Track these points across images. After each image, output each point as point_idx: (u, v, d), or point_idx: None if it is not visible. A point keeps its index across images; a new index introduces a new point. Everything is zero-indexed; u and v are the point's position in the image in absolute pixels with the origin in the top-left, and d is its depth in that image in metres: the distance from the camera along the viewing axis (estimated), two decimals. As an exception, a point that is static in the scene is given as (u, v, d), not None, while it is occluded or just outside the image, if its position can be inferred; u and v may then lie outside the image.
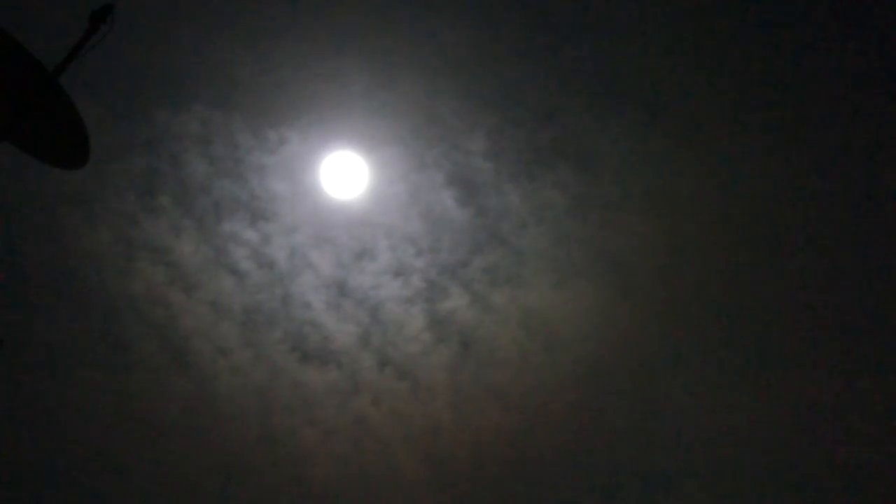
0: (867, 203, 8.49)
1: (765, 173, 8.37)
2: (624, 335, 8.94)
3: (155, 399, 9.08)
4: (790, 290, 8.55)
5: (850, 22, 8.20)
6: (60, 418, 9.05)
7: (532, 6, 8.53)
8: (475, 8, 8.51)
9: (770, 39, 8.58)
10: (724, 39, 8.68)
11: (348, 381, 9.16)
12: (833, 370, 8.77)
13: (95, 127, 8.71)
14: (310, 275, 8.94)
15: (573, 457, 9.23)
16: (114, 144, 8.60)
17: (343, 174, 8.75)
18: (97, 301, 8.89)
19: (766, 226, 8.47)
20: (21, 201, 8.68)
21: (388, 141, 8.76)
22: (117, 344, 8.98)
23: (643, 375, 9.03)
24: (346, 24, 8.50)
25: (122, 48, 8.31)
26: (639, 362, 8.98)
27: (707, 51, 8.71)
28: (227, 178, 8.71)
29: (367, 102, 8.67)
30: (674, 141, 8.62)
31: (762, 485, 8.83)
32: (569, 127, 8.74)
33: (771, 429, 8.76)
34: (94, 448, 9.09)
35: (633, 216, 8.78)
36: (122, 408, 9.07)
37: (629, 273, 8.84)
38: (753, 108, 8.42)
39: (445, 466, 9.28)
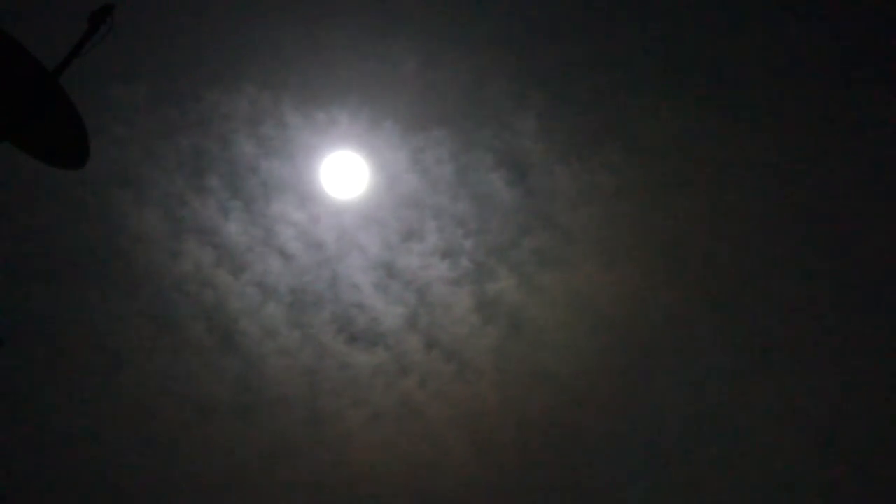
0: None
1: (822, 156, 8.30)
2: (672, 317, 8.91)
3: (203, 380, 9.11)
4: (847, 275, 8.50)
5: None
6: (109, 398, 9.09)
7: (584, -14, 8.47)
8: (526, -12, 8.45)
9: (822, 24, 8.49)
10: (775, 20, 8.59)
11: (395, 363, 9.17)
12: None
13: (145, 107, 8.71)
14: (357, 256, 8.93)
15: (619, 438, 9.22)
16: (163, 125, 8.58)
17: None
18: (146, 282, 8.90)
19: (823, 209, 8.42)
20: (70, 183, 8.69)
21: (437, 121, 8.72)
22: (165, 325, 9.00)
23: (690, 358, 9.00)
24: (397, 5, 8.45)
25: (171, 29, 8.29)
26: (686, 345, 8.96)
27: (758, 32, 8.62)
28: (275, 159, 8.69)
29: (417, 83, 8.63)
30: (725, 122, 8.55)
31: (814, 462, 8.81)
32: (619, 108, 8.68)
33: (828, 411, 8.73)
34: (143, 428, 9.13)
35: (683, 198, 8.73)
36: (170, 388, 9.10)
37: (678, 255, 8.80)
38: (808, 89, 8.35)
39: (491, 448, 9.29)
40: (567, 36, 8.63)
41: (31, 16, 7.47)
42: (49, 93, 4.37)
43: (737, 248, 8.60)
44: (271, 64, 8.52)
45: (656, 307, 8.88)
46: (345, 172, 8.74)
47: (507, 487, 9.29)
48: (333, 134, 8.67)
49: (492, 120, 8.73)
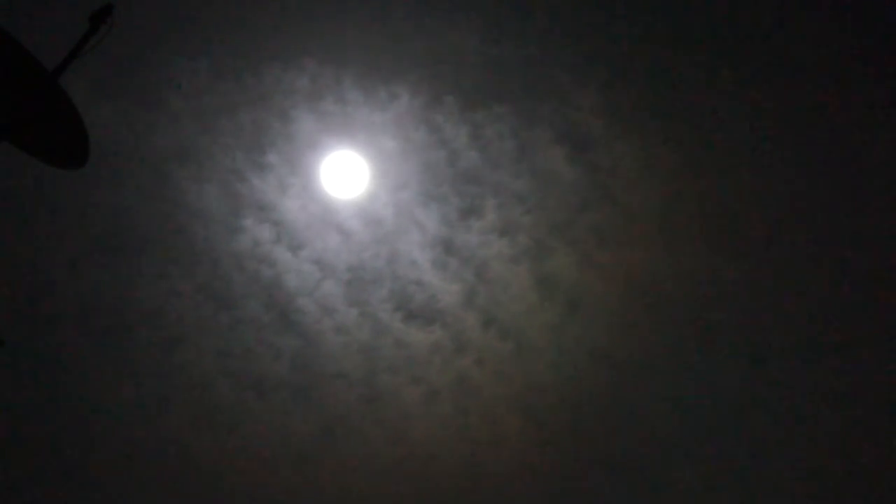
0: None
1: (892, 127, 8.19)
2: (734, 298, 8.83)
3: (260, 358, 9.10)
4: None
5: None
6: (166, 376, 9.09)
7: (647, -41, 8.37)
8: (590, -40, 8.36)
9: None
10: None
11: (452, 341, 9.13)
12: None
13: (205, 83, 8.66)
14: (416, 233, 8.89)
15: (677, 419, 9.16)
16: (223, 100, 8.54)
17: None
18: (204, 259, 8.89)
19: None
20: (129, 158, 8.67)
21: (499, 97, 8.65)
22: (223, 302, 8.99)
23: (752, 339, 8.93)
24: (459, -22, 8.37)
25: (232, 4, 8.24)
26: (748, 324, 8.88)
27: (822, 4, 8.50)
28: (335, 135, 8.64)
29: (478, 58, 8.55)
30: (794, 99, 8.45)
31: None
32: (682, 83, 8.58)
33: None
34: (200, 405, 9.14)
35: (747, 175, 8.64)
36: (227, 366, 9.09)
37: (742, 234, 8.71)
38: (877, 60, 8.23)
39: (548, 427, 9.25)
40: (629, 10, 8.53)
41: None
42: (49, 93, 4.35)
43: (806, 226, 8.51)
44: (332, 39, 8.46)
45: (718, 288, 8.81)
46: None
47: (562, 466, 9.26)
48: (393, 110, 8.61)
49: (553, 95, 8.65)
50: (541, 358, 9.11)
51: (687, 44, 8.60)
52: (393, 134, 8.66)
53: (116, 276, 8.93)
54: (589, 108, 8.66)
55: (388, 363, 9.13)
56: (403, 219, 8.84)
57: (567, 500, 9.30)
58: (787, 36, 8.55)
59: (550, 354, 9.09)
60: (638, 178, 8.79)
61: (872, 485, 8.89)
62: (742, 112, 8.59)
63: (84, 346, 9.00)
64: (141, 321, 8.95)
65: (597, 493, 9.21)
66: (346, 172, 8.69)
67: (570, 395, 9.14)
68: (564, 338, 9.06)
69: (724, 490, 9.28)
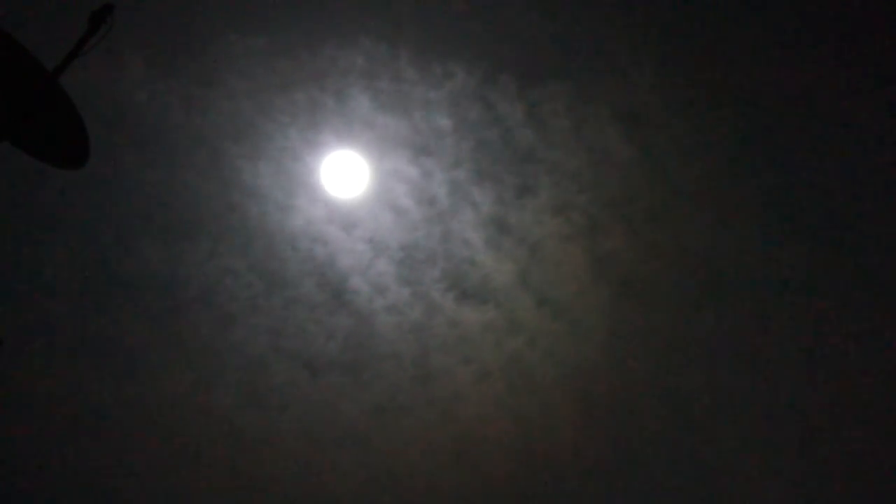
0: None
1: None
2: (793, 279, 8.75)
3: (312, 337, 9.10)
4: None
5: None
6: (219, 354, 9.11)
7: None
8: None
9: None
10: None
11: (505, 321, 9.10)
12: None
13: (261, 61, 8.64)
14: (470, 212, 8.86)
15: (733, 402, 9.10)
16: (279, 78, 8.53)
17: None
18: (257, 237, 8.89)
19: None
20: (184, 136, 8.67)
21: (554, 74, 8.60)
22: (276, 281, 9.00)
23: (810, 321, 8.84)
24: (516, -46, 8.32)
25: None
26: (806, 308, 8.79)
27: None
28: (390, 113, 8.62)
29: (533, 34, 8.50)
30: (852, 77, 8.35)
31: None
32: (739, 60, 8.50)
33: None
34: (253, 385, 9.15)
35: (806, 153, 8.55)
36: (280, 345, 9.10)
37: (801, 213, 8.63)
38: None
39: (600, 408, 9.22)
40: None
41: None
42: (49, 93, 4.35)
43: (869, 204, 8.41)
44: (388, 17, 8.43)
45: (774, 268, 8.73)
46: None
47: (614, 448, 9.23)
48: (448, 88, 8.58)
49: (609, 73, 8.60)
50: (593, 338, 9.07)
51: (744, 23, 8.52)
52: (447, 112, 8.63)
53: (170, 254, 8.96)
54: (645, 85, 8.60)
55: (439, 343, 9.12)
56: (457, 197, 8.82)
57: (617, 481, 9.27)
58: (845, 14, 8.45)
59: (603, 334, 9.06)
60: (693, 156, 8.73)
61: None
62: (803, 91, 8.51)
63: (137, 324, 9.03)
64: (194, 300, 8.97)
65: (648, 475, 9.17)
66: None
67: (622, 377, 9.10)
68: (617, 318, 9.03)
69: (777, 474, 9.22)
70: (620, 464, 9.23)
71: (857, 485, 9.08)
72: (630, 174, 8.77)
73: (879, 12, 8.53)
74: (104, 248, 8.91)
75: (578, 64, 8.57)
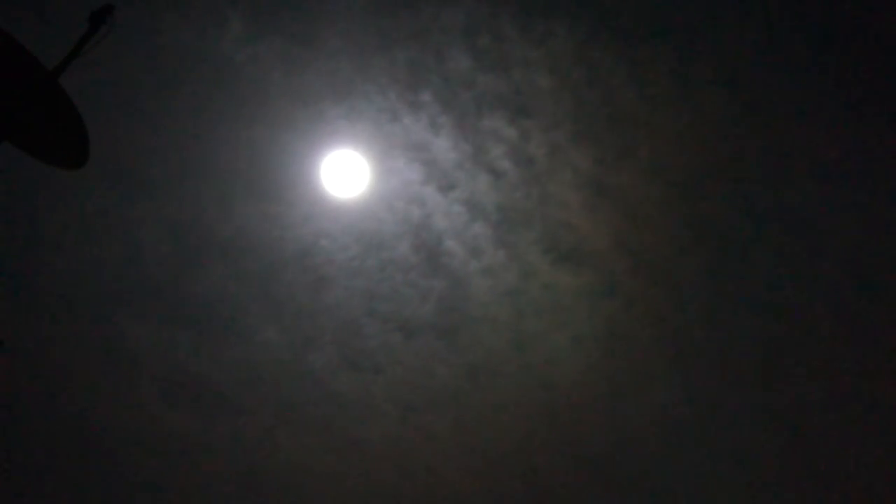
0: None
1: None
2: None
3: (407, 300, 9.07)
4: None
5: None
6: (313, 317, 9.10)
7: None
8: None
9: None
10: None
11: (601, 284, 9.00)
12: None
13: (361, 19, 8.57)
14: (568, 173, 8.76)
15: (832, 366, 8.94)
16: (378, 37, 8.46)
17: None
18: (352, 198, 8.84)
19: None
20: (281, 96, 8.64)
21: (657, 33, 8.45)
22: (371, 243, 8.96)
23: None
24: None
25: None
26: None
27: None
28: (490, 73, 8.52)
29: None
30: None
31: None
32: (850, 17, 8.29)
33: None
34: (347, 348, 9.14)
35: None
36: (374, 308, 9.08)
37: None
38: None
39: (698, 375, 9.10)
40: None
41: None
42: (49, 93, 4.33)
43: None
44: (490, -27, 8.32)
45: (883, 231, 8.54)
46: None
47: (714, 416, 9.11)
48: (549, 47, 8.46)
49: (713, 33, 8.44)
50: (691, 302, 8.95)
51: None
52: (548, 71, 8.52)
53: (265, 216, 8.95)
54: (750, 45, 8.43)
55: (534, 306, 9.04)
56: (556, 158, 8.72)
57: (716, 450, 9.16)
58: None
59: (701, 298, 8.93)
60: (796, 115, 8.54)
61: None
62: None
63: (232, 287, 9.05)
64: (288, 262, 8.96)
65: (749, 442, 9.05)
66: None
67: (720, 341, 8.97)
68: (716, 281, 8.89)
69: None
70: (720, 430, 9.12)
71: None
72: (732, 136, 8.62)
73: None
74: (199, 209, 8.92)
75: (682, 24, 8.42)
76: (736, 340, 8.96)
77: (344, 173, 8.76)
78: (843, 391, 9.01)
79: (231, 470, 9.25)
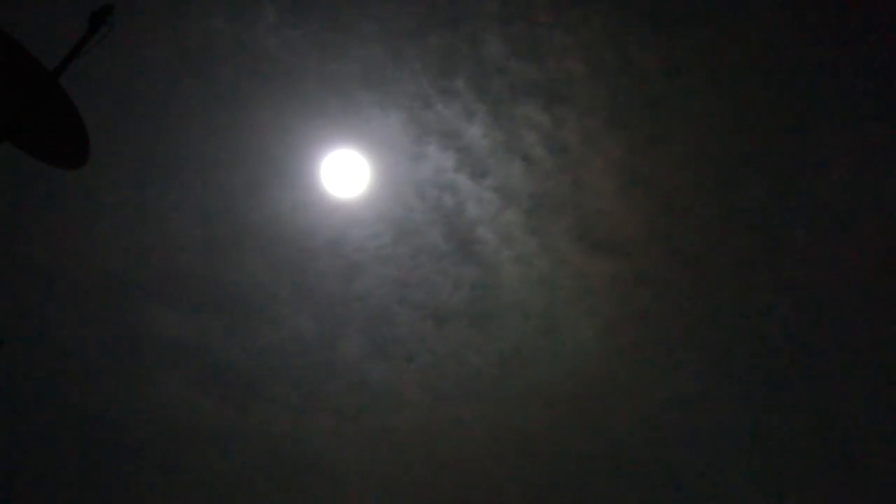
0: None
1: None
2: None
3: (438, 287, 9.04)
4: None
5: None
6: (345, 304, 9.08)
7: None
8: None
9: None
10: None
11: (633, 273, 8.97)
12: None
13: (394, 4, 8.52)
14: (601, 160, 8.71)
15: (866, 357, 8.90)
16: (412, 23, 8.41)
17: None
18: (386, 186, 8.82)
19: None
20: (312, 81, 8.60)
21: (691, 20, 8.40)
22: (402, 231, 8.93)
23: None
24: None
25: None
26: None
27: None
28: (524, 60, 8.47)
29: (673, -22, 8.30)
30: None
31: None
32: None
33: None
34: (378, 334, 9.13)
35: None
36: (405, 295, 9.05)
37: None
38: None
39: (731, 365, 9.07)
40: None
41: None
42: (49, 93, 4.32)
43: None
44: (525, -42, 8.27)
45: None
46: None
47: (746, 401, 9.09)
48: (584, 32, 8.42)
49: (747, 18, 8.38)
50: (725, 292, 8.92)
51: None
52: (582, 58, 8.47)
53: (295, 203, 8.92)
54: (786, 33, 8.38)
55: (566, 295, 9.02)
56: (589, 146, 8.68)
57: (749, 438, 9.14)
58: None
59: (734, 287, 8.89)
60: (833, 105, 8.50)
61: None
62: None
63: (263, 274, 9.03)
64: (320, 250, 8.93)
65: (781, 433, 9.03)
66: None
67: (755, 332, 8.94)
68: (750, 269, 8.86)
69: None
70: (751, 419, 9.09)
71: None
72: (766, 123, 8.57)
73: None
74: (231, 197, 8.90)
75: (717, 10, 8.37)
76: (769, 330, 8.93)
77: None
78: (879, 383, 8.98)
79: (261, 458, 9.26)
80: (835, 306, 8.86)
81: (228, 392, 9.08)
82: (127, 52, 8.26)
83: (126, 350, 9.03)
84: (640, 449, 9.27)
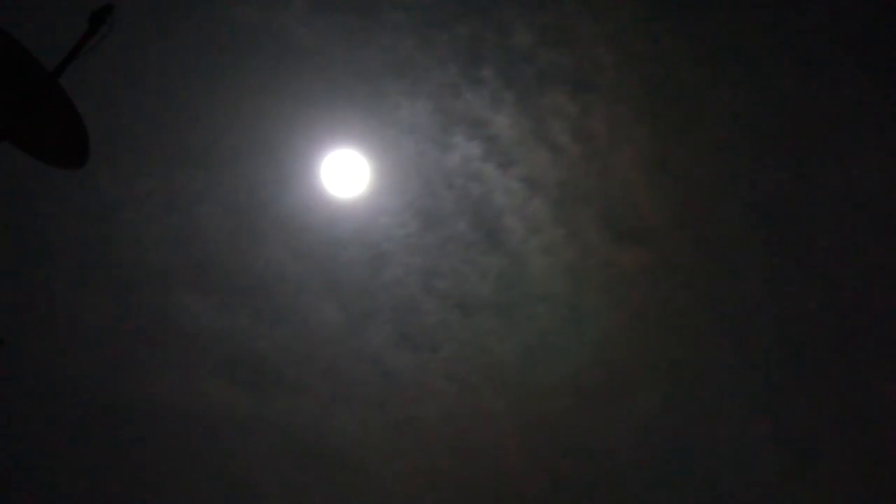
0: None
1: None
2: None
3: (465, 277, 9.03)
4: None
5: None
6: (371, 294, 9.08)
7: None
8: None
9: None
10: None
11: (661, 262, 8.95)
12: None
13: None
14: (629, 149, 8.71)
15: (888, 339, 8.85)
16: (440, 11, 8.43)
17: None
18: (413, 175, 8.82)
19: None
20: (343, 71, 8.62)
21: (720, 7, 8.40)
22: (429, 220, 8.93)
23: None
24: None
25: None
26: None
27: None
28: (552, 48, 8.49)
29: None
30: None
31: None
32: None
33: None
34: (405, 324, 9.12)
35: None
36: (432, 285, 9.05)
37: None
38: None
39: (757, 352, 9.03)
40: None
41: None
42: (49, 93, 4.32)
43: None
44: (553, -53, 8.28)
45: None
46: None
47: (774, 392, 9.05)
48: (612, 20, 8.43)
49: (776, 7, 8.38)
50: (751, 280, 8.88)
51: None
52: (610, 46, 8.47)
53: (321, 193, 8.93)
54: (815, 19, 8.36)
55: (593, 284, 8.99)
56: (617, 134, 8.67)
57: (778, 430, 9.09)
58: None
59: (762, 276, 8.86)
60: (862, 94, 8.47)
61: None
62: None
63: (290, 264, 9.04)
64: (347, 239, 8.94)
65: (812, 425, 8.98)
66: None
67: (781, 319, 8.90)
68: (777, 258, 8.83)
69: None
70: (779, 410, 9.05)
71: None
72: (795, 112, 8.56)
73: None
74: (258, 187, 8.92)
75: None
76: (797, 319, 8.90)
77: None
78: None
79: (288, 448, 9.25)
80: (863, 296, 8.82)
81: (255, 381, 9.09)
82: (160, 40, 8.31)
83: (154, 339, 9.04)
84: (667, 439, 9.23)
